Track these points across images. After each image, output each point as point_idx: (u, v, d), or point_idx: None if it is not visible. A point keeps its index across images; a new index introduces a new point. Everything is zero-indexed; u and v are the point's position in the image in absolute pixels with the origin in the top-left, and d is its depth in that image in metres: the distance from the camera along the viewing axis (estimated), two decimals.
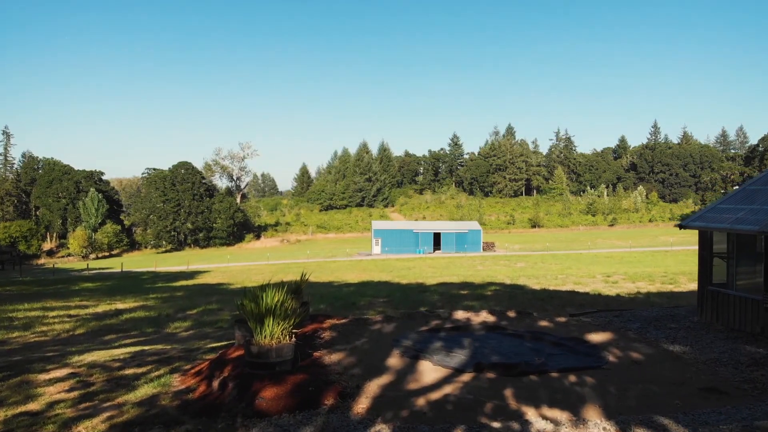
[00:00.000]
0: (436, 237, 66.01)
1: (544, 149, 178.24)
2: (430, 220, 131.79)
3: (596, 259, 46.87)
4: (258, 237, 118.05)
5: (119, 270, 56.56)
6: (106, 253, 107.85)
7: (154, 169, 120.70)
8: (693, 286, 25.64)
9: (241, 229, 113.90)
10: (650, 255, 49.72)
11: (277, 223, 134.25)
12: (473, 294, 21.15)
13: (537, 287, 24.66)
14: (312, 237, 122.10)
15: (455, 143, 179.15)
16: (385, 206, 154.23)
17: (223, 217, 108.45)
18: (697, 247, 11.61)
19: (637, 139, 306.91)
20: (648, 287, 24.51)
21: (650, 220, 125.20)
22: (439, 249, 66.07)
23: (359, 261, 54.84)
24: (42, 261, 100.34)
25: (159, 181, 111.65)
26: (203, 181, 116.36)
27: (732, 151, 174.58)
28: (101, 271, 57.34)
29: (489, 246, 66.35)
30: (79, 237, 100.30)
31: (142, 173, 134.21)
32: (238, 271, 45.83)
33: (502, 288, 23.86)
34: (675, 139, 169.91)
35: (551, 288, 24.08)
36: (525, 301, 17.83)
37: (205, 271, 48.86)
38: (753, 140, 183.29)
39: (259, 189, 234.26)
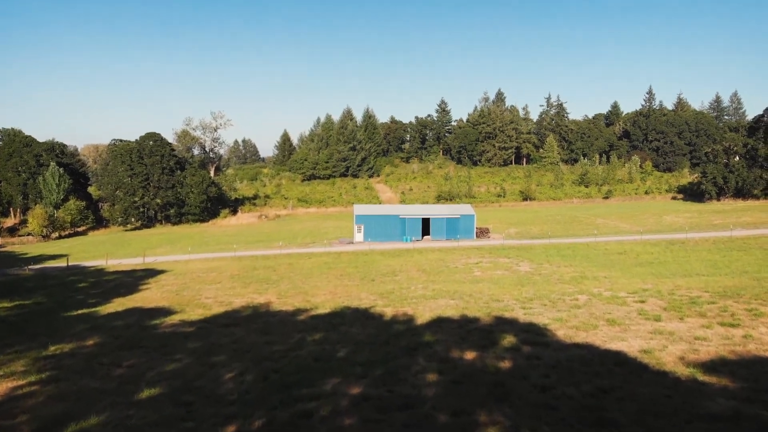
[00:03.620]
0: (425, 223, 59.62)
1: (534, 116, 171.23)
2: (417, 192, 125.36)
3: (609, 258, 41.04)
4: (234, 212, 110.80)
5: (65, 265, 49.57)
6: (70, 231, 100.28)
7: (121, 141, 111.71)
8: (764, 331, 19.71)
9: (216, 204, 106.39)
10: (668, 249, 44.00)
11: (255, 196, 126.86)
12: (483, 365, 15.12)
13: (562, 335, 18.80)
14: (292, 212, 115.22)
15: (443, 110, 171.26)
16: (370, 176, 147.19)
17: (196, 192, 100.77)
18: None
19: (631, 105, 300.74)
20: (708, 334, 18.73)
21: (646, 192, 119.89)
22: (428, 236, 59.85)
23: (338, 255, 48.48)
24: (0, 241, 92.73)
25: (125, 154, 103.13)
26: (173, 153, 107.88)
27: (726, 117, 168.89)
28: (44, 266, 50.32)
29: (483, 232, 60.19)
30: (39, 215, 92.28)
31: (108, 144, 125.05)
32: (193, 276, 39.26)
33: (518, 340, 17.95)
34: (670, 105, 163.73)
35: (582, 340, 18.21)
36: (571, 410, 11.66)
37: (158, 272, 42.30)
38: (747, 107, 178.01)
39: (240, 155, 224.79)
